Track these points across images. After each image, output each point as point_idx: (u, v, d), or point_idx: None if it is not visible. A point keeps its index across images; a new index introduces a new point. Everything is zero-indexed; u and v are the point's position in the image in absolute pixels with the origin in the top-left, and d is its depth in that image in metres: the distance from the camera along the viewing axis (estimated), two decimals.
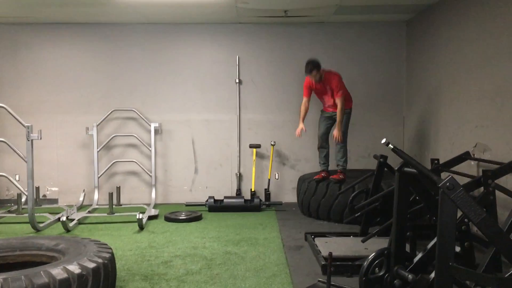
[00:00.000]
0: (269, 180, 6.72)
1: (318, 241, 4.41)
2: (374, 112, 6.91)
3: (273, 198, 6.80)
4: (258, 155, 6.91)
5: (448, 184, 2.27)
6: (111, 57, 6.86)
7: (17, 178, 6.48)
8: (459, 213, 2.47)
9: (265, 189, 6.67)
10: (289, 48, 6.90)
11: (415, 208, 3.75)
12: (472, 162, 4.80)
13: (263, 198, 6.62)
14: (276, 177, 6.97)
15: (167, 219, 5.75)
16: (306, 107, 5.92)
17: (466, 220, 3.12)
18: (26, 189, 5.16)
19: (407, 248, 2.96)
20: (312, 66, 5.66)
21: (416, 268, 2.74)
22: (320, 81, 5.76)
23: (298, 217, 5.94)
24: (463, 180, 3.94)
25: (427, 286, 2.57)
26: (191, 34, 6.88)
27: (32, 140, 5.04)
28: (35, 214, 5.16)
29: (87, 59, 6.85)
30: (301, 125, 5.91)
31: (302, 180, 6.16)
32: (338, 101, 5.67)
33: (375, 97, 6.91)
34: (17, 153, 5.13)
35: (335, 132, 5.71)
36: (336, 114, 5.74)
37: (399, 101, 6.97)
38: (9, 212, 5.97)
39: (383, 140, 2.73)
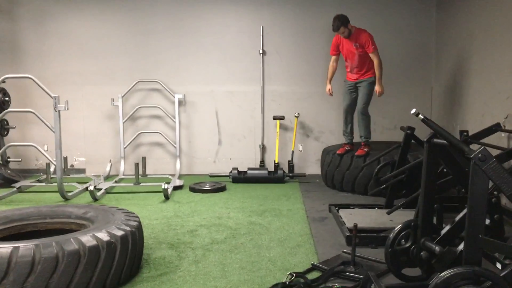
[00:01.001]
0: (292, 152, 6.70)
1: (342, 212, 4.41)
2: (401, 83, 6.77)
3: (296, 170, 6.79)
4: (282, 127, 6.87)
5: (480, 155, 2.21)
6: (135, 28, 6.84)
7: (45, 148, 6.61)
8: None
9: (289, 161, 6.66)
10: (315, 17, 6.75)
11: (443, 180, 3.69)
12: (503, 134, 4.68)
13: (286, 170, 6.61)
14: (300, 149, 6.95)
15: (192, 189, 5.81)
16: (334, 67, 5.85)
17: (495, 192, 3.06)
18: (54, 159, 5.27)
19: (434, 220, 2.91)
20: (340, 22, 5.48)
21: (443, 240, 2.70)
22: (349, 37, 5.59)
23: (322, 189, 5.93)
24: (493, 152, 3.85)
25: (455, 258, 2.54)
26: (215, 3, 6.79)
27: (59, 111, 5.12)
28: (64, 184, 5.27)
29: (112, 30, 6.85)
30: (328, 86, 5.90)
31: (326, 152, 6.11)
32: (374, 56, 5.52)
33: (402, 67, 6.75)
34: (45, 124, 5.21)
35: (377, 88, 5.57)
36: (360, 82, 5.64)
37: (427, 71, 6.80)
38: (39, 181, 6.12)
39: (413, 110, 2.65)
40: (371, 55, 5.53)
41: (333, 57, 5.84)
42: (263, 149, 6.93)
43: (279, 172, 6.34)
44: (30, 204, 5.05)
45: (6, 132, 6.45)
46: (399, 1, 6.68)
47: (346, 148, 5.82)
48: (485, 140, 4.59)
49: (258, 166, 6.83)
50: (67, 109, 5.15)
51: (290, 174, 6.49)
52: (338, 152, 5.79)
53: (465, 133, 4.72)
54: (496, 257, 2.52)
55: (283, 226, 4.28)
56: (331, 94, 5.96)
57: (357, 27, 5.62)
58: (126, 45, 6.86)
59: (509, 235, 2.75)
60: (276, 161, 6.62)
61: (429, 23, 6.71)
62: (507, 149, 4.01)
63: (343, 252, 3.50)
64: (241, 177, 6.33)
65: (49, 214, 3.40)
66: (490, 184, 2.33)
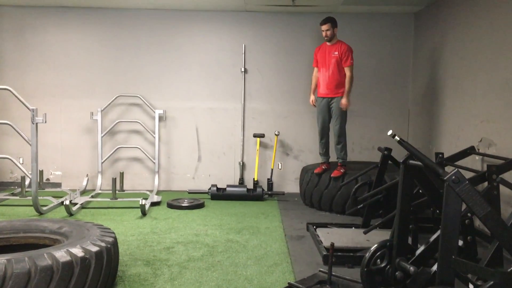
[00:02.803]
0: (272, 170, 6.72)
1: (320, 231, 4.42)
2: (379, 104, 6.89)
3: (275, 188, 6.80)
4: (262, 145, 6.90)
5: (453, 177, 2.27)
6: (116, 42, 6.83)
7: (20, 161, 6.49)
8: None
9: (268, 179, 6.67)
10: (296, 37, 6.86)
11: (418, 201, 3.76)
12: (477, 157, 4.79)
13: (265, 188, 6.62)
14: (279, 167, 6.98)
15: (170, 206, 5.76)
16: (317, 78, 5.95)
17: (469, 214, 3.12)
18: (30, 172, 5.18)
19: (409, 240, 2.96)
20: (329, 19, 5.68)
21: (418, 260, 2.75)
22: (330, 41, 5.73)
23: (300, 208, 5.95)
24: (467, 175, 3.94)
25: (429, 279, 2.58)
26: (197, 21, 6.84)
27: (36, 124, 5.05)
28: (39, 197, 5.18)
29: (93, 43, 6.83)
30: (311, 97, 6.04)
31: (305, 170, 6.16)
32: (347, 70, 5.64)
33: (380, 89, 6.88)
34: (22, 136, 5.13)
35: (343, 101, 5.64)
36: (332, 100, 5.72)
37: (404, 94, 6.94)
38: (13, 194, 5.99)
39: (389, 132, 2.72)
40: (346, 68, 5.66)
41: (316, 68, 5.97)
42: (243, 166, 6.94)
43: (258, 189, 6.34)
44: (3, 218, 4.94)
45: None
46: (379, 25, 6.84)
47: (323, 167, 5.87)
48: (460, 162, 4.69)
49: (237, 184, 6.83)
50: (45, 122, 5.09)
51: (269, 192, 6.50)
52: (315, 171, 5.83)
53: (440, 155, 4.82)
54: (469, 278, 2.56)
55: (260, 244, 4.27)
56: (314, 105, 6.00)
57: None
58: (107, 59, 6.84)
59: (481, 256, 2.80)
60: (255, 179, 6.63)
61: (407, 48, 6.87)
62: (481, 172, 4.11)
63: (320, 271, 3.50)
64: (220, 194, 6.32)
65: (22, 228, 3.32)
66: (464, 206, 2.38)
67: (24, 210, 5.40)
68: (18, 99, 5.16)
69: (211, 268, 3.60)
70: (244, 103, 6.92)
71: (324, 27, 5.70)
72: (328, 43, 5.79)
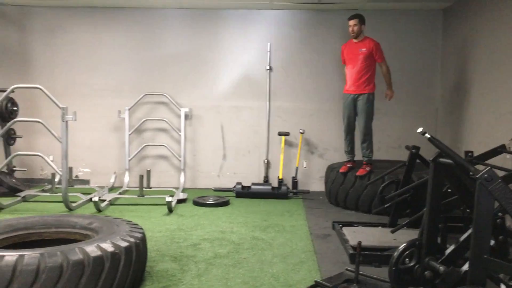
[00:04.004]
0: (297, 168, 6.70)
1: (346, 230, 4.39)
2: (406, 103, 6.78)
3: (300, 186, 6.78)
4: (287, 143, 6.89)
5: (486, 175, 2.23)
6: (143, 41, 6.92)
7: (51, 159, 6.62)
8: None
9: (293, 177, 6.66)
10: (321, 35, 6.83)
11: (448, 200, 3.69)
12: (508, 156, 4.67)
13: (290, 186, 6.61)
14: (304, 165, 6.95)
15: (196, 203, 5.81)
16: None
17: (500, 213, 3.05)
18: (60, 169, 5.29)
19: (438, 240, 2.91)
20: (357, 15, 5.70)
21: (448, 260, 2.70)
22: (356, 38, 5.72)
23: (326, 206, 5.92)
24: (498, 174, 3.85)
25: (459, 278, 2.53)
26: (223, 20, 6.87)
27: (67, 121, 5.16)
28: (68, 194, 5.29)
29: (121, 43, 6.94)
30: None
31: (330, 169, 6.12)
32: (383, 65, 5.74)
33: (408, 87, 6.77)
34: (52, 134, 5.25)
35: (390, 92, 5.83)
36: (358, 96, 5.70)
37: (432, 92, 6.83)
38: (43, 191, 6.13)
39: (420, 129, 2.69)
40: (381, 63, 5.71)
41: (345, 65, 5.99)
42: (268, 164, 6.94)
43: (283, 188, 6.34)
44: (34, 214, 5.06)
45: (13, 141, 6.50)
46: (406, 22, 6.75)
47: (349, 166, 5.83)
48: (490, 161, 4.58)
49: (262, 182, 6.83)
50: (75, 120, 5.20)
51: (294, 190, 6.48)
52: (340, 170, 5.79)
53: (469, 154, 4.71)
54: (501, 278, 2.51)
55: (286, 242, 4.27)
56: None
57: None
58: (135, 58, 6.94)
59: None
60: (280, 177, 6.63)
61: (435, 45, 6.76)
62: None
63: (347, 269, 3.48)
64: (244, 192, 6.33)
65: (54, 224, 3.41)
66: (496, 205, 2.33)
67: (55, 206, 5.53)
68: (49, 97, 5.28)
69: (237, 265, 3.62)
70: (269, 101, 6.92)
71: (352, 22, 5.68)
72: (354, 40, 5.75)
